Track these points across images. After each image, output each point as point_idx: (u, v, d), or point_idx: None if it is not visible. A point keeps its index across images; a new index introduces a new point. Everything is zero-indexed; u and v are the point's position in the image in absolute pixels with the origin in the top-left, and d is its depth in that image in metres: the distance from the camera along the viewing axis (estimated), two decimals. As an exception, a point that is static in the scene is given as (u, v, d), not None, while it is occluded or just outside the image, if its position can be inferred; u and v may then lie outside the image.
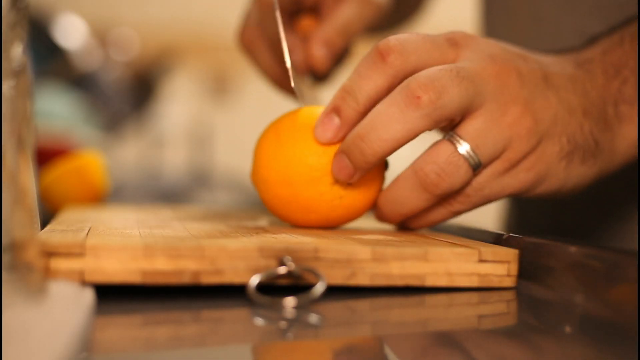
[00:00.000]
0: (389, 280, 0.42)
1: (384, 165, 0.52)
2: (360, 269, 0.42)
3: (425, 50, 0.48)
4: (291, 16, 0.65)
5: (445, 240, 0.48)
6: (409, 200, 0.49)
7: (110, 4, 2.73)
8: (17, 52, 0.38)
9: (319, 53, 0.62)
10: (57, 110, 1.53)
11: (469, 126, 0.47)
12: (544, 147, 0.49)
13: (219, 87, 2.73)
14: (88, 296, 0.36)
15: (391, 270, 0.42)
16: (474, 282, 0.43)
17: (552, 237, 0.47)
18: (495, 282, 0.43)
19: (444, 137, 0.48)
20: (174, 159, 2.30)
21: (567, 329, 0.39)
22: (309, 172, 0.50)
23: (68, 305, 0.34)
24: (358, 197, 0.51)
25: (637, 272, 0.36)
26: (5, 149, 0.36)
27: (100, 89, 1.70)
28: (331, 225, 0.52)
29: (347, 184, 0.50)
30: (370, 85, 0.48)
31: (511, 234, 0.48)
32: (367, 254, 0.42)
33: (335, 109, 0.49)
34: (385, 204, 0.51)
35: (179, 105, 2.47)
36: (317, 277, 0.40)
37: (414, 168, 0.48)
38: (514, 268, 0.44)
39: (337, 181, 0.50)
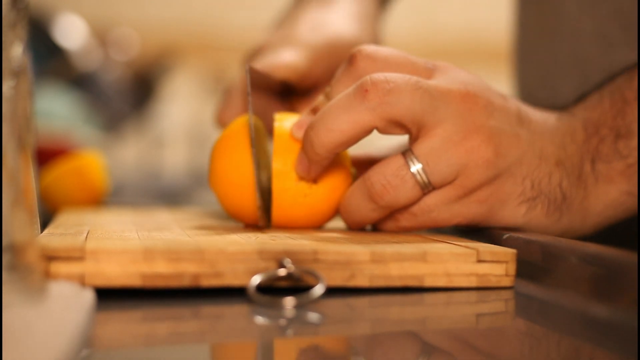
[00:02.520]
0: (388, 281, 0.42)
1: (350, 173, 0.53)
2: (359, 271, 0.42)
3: (397, 62, 0.49)
4: (283, 98, 0.64)
5: (444, 240, 0.48)
6: (359, 208, 0.50)
7: (110, 4, 2.72)
8: (17, 52, 0.38)
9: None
10: (57, 110, 1.53)
11: (425, 144, 0.47)
12: (502, 183, 0.48)
13: (219, 87, 2.73)
14: (88, 295, 0.36)
15: (390, 272, 0.42)
16: (472, 283, 0.43)
17: (550, 237, 0.47)
18: (493, 282, 0.44)
19: (399, 151, 0.48)
20: (174, 159, 2.30)
21: (565, 328, 0.39)
22: (275, 166, 0.51)
23: (68, 305, 0.34)
24: (321, 198, 0.51)
25: (637, 272, 0.36)
26: (5, 149, 0.36)
27: (100, 89, 1.70)
28: (292, 227, 0.53)
29: (313, 182, 0.51)
30: (340, 87, 0.50)
31: (511, 234, 0.49)
32: (366, 255, 0.42)
33: (313, 109, 0.51)
34: (341, 210, 0.52)
35: (179, 105, 2.48)
36: (317, 279, 0.40)
37: (364, 177, 0.49)
38: (512, 268, 0.44)
39: (301, 178, 0.51)
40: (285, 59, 0.60)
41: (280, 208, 0.51)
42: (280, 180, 0.51)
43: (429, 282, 0.43)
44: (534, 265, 0.45)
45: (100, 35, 1.93)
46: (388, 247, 0.43)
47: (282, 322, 0.37)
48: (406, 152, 0.48)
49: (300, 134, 0.50)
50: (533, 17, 0.73)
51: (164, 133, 2.32)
